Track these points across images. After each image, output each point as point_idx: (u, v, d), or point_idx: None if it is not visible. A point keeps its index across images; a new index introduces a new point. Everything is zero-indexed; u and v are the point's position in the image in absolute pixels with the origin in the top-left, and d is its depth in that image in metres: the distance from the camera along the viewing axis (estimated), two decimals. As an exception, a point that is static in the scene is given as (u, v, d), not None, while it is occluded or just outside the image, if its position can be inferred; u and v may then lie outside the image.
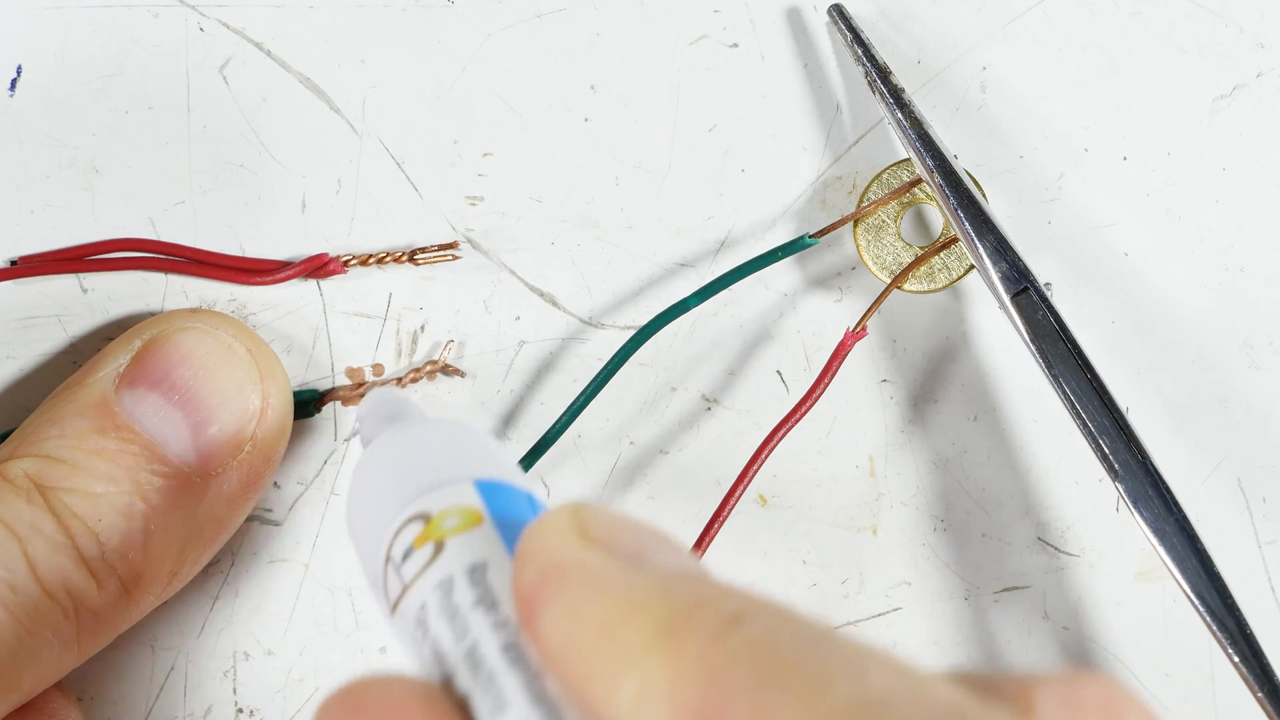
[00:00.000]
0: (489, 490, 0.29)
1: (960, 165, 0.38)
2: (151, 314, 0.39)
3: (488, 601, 0.26)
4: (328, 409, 0.39)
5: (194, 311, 0.37)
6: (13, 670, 0.32)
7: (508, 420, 0.39)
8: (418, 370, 0.39)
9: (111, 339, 0.37)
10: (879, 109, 0.39)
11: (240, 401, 0.36)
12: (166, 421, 0.35)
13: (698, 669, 0.22)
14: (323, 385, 0.39)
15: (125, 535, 0.34)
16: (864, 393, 0.39)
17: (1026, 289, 0.37)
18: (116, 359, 0.36)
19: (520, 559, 0.25)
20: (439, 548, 0.27)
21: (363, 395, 0.39)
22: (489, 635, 0.26)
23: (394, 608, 0.28)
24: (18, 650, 0.32)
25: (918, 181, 0.38)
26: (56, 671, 0.34)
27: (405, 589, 0.27)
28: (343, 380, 0.39)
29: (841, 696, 0.21)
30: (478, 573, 0.27)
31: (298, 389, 0.39)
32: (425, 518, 0.28)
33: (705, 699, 0.22)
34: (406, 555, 0.28)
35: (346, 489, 0.31)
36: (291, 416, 0.37)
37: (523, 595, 0.25)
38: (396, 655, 0.39)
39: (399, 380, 0.39)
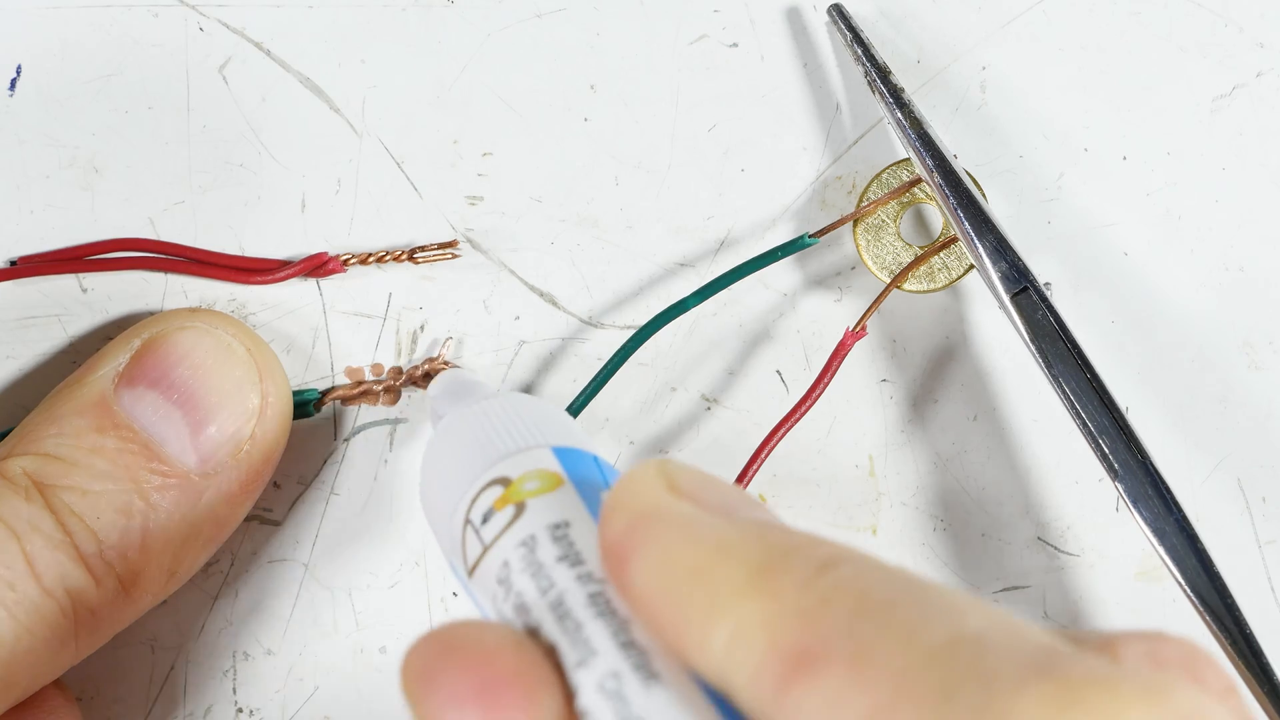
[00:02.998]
0: (566, 455, 0.29)
1: (960, 165, 0.38)
2: (151, 314, 0.39)
3: (572, 556, 0.26)
4: (327, 408, 0.39)
5: (193, 311, 0.37)
6: (10, 668, 0.32)
7: (507, 420, 0.39)
8: (416, 367, 0.39)
9: (111, 339, 0.37)
10: (879, 109, 0.39)
11: (239, 400, 0.36)
12: (165, 420, 0.35)
13: (793, 611, 0.22)
14: (322, 385, 0.39)
15: (123, 533, 0.34)
16: (864, 392, 0.39)
17: (1026, 289, 0.37)
18: (116, 358, 0.36)
19: (609, 510, 0.25)
20: (520, 509, 0.28)
21: (362, 394, 0.39)
22: (575, 587, 0.26)
23: (473, 569, 0.28)
24: (15, 648, 0.32)
25: (917, 181, 0.38)
26: (54, 670, 0.34)
27: (486, 549, 0.28)
28: (342, 380, 0.39)
29: (938, 634, 0.21)
30: (560, 529, 0.27)
31: (297, 389, 0.39)
32: (505, 481, 0.28)
33: (802, 639, 0.22)
34: (487, 517, 0.28)
35: (421, 461, 0.32)
36: (291, 416, 0.37)
37: (611, 545, 0.25)
38: (396, 654, 0.39)
39: (397, 379, 0.39)
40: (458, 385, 0.35)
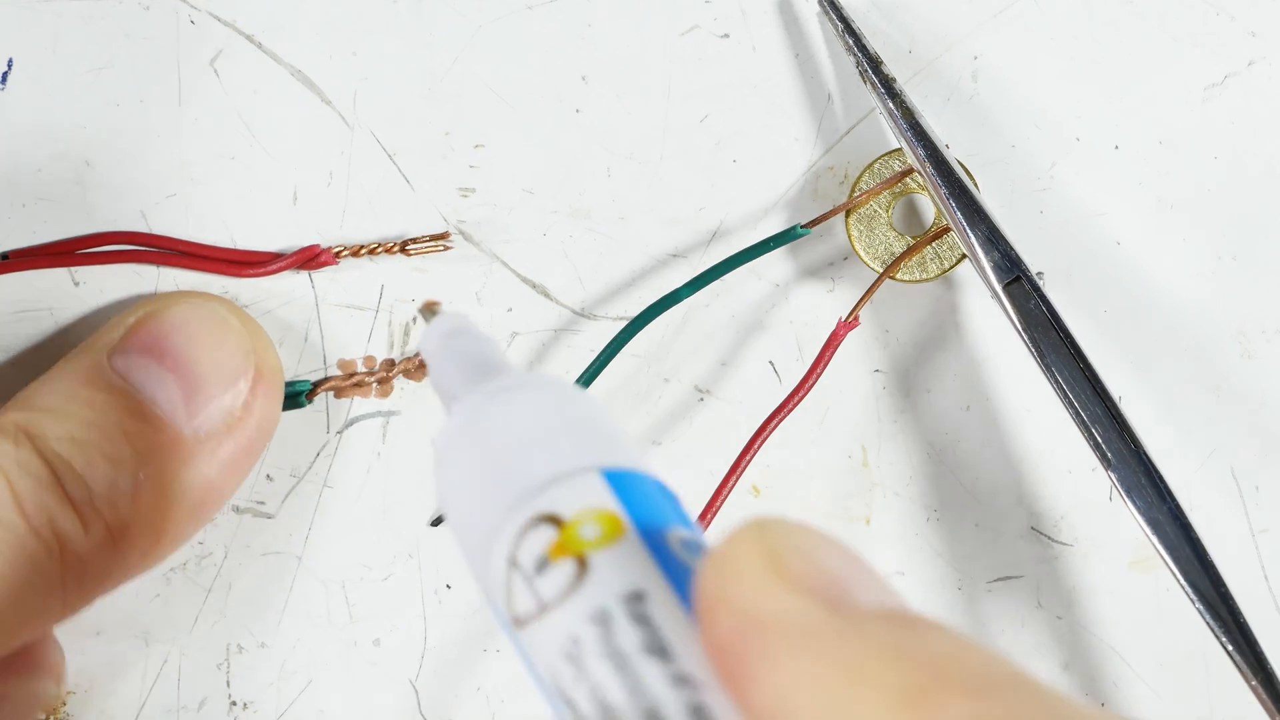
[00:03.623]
0: (620, 484, 0.26)
1: (952, 155, 0.37)
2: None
3: (659, 648, 0.23)
4: (320, 400, 0.39)
5: (187, 292, 0.37)
6: None
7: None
8: (409, 359, 0.39)
9: (103, 331, 0.37)
10: (870, 99, 0.39)
11: (232, 369, 0.36)
12: (158, 382, 0.35)
13: None
14: (315, 377, 0.39)
15: (113, 483, 0.33)
16: (856, 383, 0.39)
17: (1019, 278, 0.37)
18: (110, 334, 0.36)
19: (709, 606, 0.23)
20: (582, 566, 0.24)
21: (355, 385, 0.39)
22: (671, 695, 0.23)
23: (523, 623, 0.25)
24: (2, 586, 0.32)
25: (909, 171, 0.38)
26: (42, 616, 0.33)
27: (544, 609, 0.25)
28: (335, 372, 0.39)
29: None
30: (636, 604, 0.24)
31: (289, 380, 0.39)
32: (555, 520, 0.25)
33: None
34: (541, 568, 0.25)
35: (439, 458, 0.29)
36: (283, 390, 0.37)
37: (721, 650, 0.22)
38: (389, 647, 0.39)
39: (390, 370, 0.39)
40: (465, 348, 0.30)
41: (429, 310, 0.32)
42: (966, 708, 0.20)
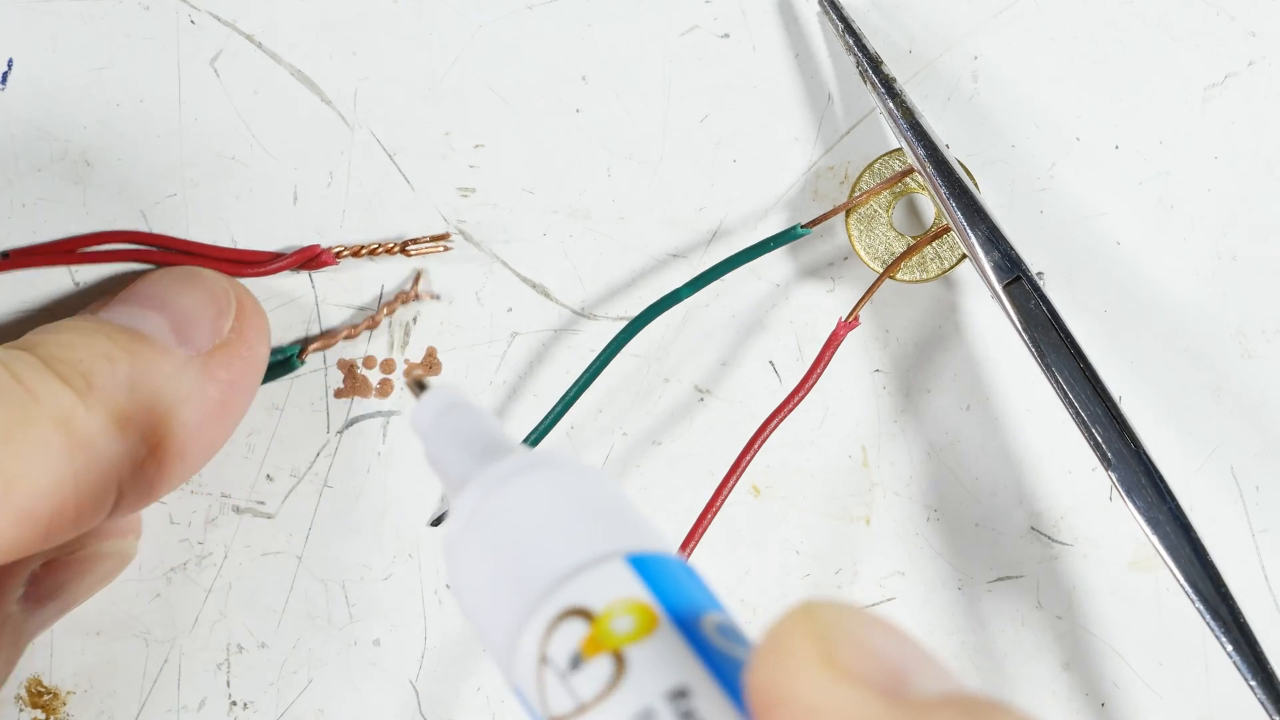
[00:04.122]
0: (646, 569, 0.25)
1: (952, 155, 0.38)
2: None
3: None
4: (320, 400, 0.39)
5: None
6: (11, 488, 0.32)
7: (500, 412, 0.39)
8: (411, 366, 0.39)
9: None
10: (871, 99, 0.39)
11: (215, 303, 0.36)
12: (143, 317, 0.35)
13: None
14: (315, 377, 0.39)
15: (110, 376, 0.33)
16: (857, 383, 0.39)
17: (1019, 278, 0.37)
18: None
19: (765, 704, 0.22)
20: (620, 662, 0.24)
21: (344, 337, 0.39)
22: None
23: None
24: (10, 444, 0.32)
25: (909, 171, 0.38)
26: (50, 497, 0.32)
27: (582, 709, 0.24)
28: (335, 373, 0.39)
29: None
30: (681, 701, 0.23)
31: (279, 346, 0.39)
32: (586, 614, 0.24)
33: None
34: (576, 665, 0.24)
35: (450, 548, 0.27)
36: (269, 328, 0.37)
37: None
38: (389, 647, 0.39)
39: (374, 318, 0.39)
40: (465, 426, 0.29)
41: (416, 384, 0.30)
42: None
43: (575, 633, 0.24)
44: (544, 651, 0.25)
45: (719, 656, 0.24)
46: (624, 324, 0.38)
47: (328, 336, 0.39)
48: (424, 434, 0.30)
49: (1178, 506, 0.36)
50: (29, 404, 0.32)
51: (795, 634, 0.22)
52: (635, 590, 0.24)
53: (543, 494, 0.27)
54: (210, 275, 0.37)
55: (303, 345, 0.39)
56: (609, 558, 0.25)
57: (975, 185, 0.38)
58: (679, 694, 0.23)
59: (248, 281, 0.39)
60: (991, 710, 0.21)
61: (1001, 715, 0.21)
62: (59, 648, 0.39)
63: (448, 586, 0.27)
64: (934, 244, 0.39)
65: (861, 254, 0.39)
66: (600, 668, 0.24)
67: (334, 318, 0.39)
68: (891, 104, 0.37)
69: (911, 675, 0.22)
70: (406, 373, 0.31)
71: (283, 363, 0.39)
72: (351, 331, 0.39)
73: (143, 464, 0.34)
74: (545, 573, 0.25)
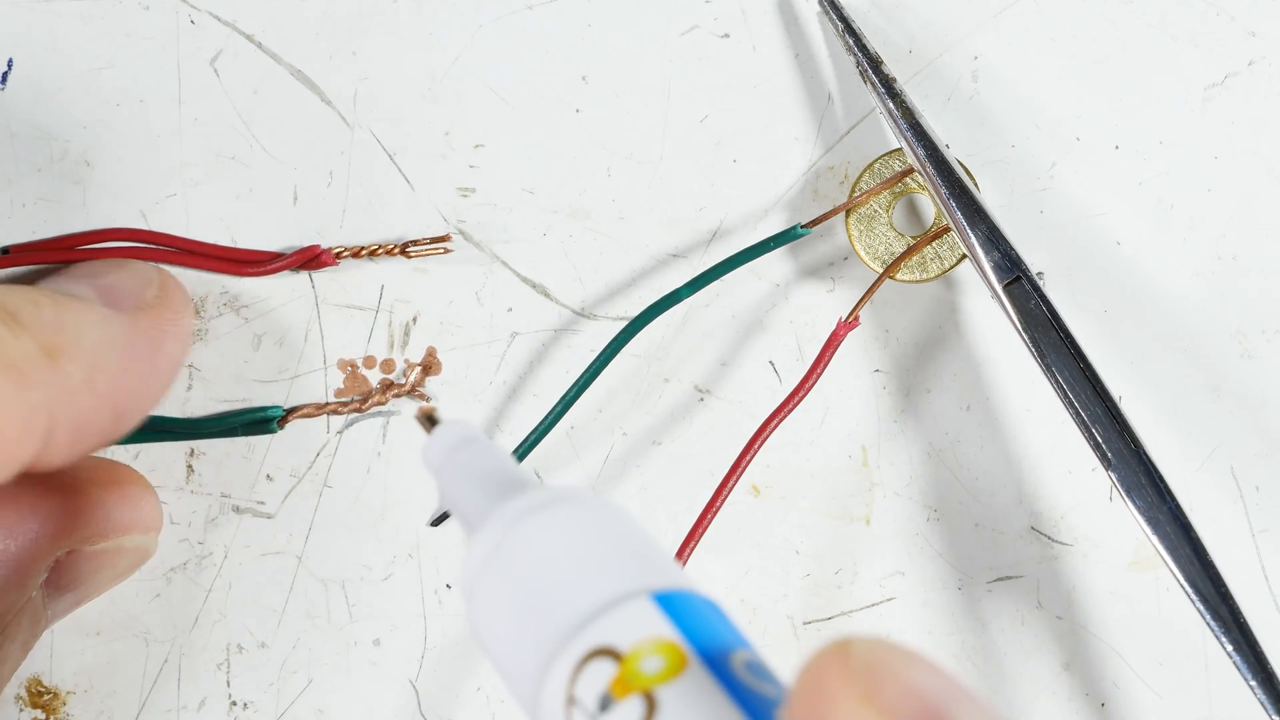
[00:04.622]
0: (673, 607, 0.25)
1: (952, 155, 0.37)
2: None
3: None
4: (318, 399, 0.39)
5: None
6: None
7: (500, 412, 0.39)
8: (408, 372, 0.39)
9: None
10: (871, 99, 0.39)
11: (139, 276, 0.36)
12: (72, 286, 0.36)
13: None
14: (315, 378, 0.39)
15: (37, 315, 0.33)
16: (856, 382, 0.39)
17: (1019, 278, 0.37)
18: None
19: None
20: (651, 703, 0.23)
21: (332, 412, 0.39)
22: None
23: None
24: None
25: (909, 171, 0.38)
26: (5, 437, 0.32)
27: None
28: (335, 373, 0.39)
29: None
30: None
31: (263, 406, 0.39)
32: (614, 654, 0.24)
33: None
34: (606, 706, 0.24)
35: (470, 588, 0.27)
36: (193, 309, 0.38)
37: None
38: (389, 647, 0.39)
39: (387, 391, 0.39)
40: (478, 463, 0.29)
41: (427, 419, 0.30)
42: None
43: (603, 673, 0.24)
44: (571, 693, 0.24)
45: (750, 695, 0.23)
46: (624, 324, 0.38)
47: (313, 410, 0.39)
48: (437, 471, 0.29)
49: (1178, 506, 0.36)
50: None
51: (833, 672, 0.21)
52: (663, 629, 0.24)
53: (564, 531, 0.26)
54: (137, 261, 0.38)
55: (285, 413, 0.39)
56: (635, 596, 0.25)
57: (975, 185, 0.38)
58: None
59: (248, 281, 0.39)
60: None
61: None
62: (59, 648, 0.39)
63: (470, 629, 0.26)
64: (934, 244, 0.39)
65: (861, 254, 0.39)
66: (631, 709, 0.23)
67: (334, 318, 0.39)
68: (891, 104, 0.37)
69: (952, 712, 0.21)
70: (418, 412, 0.30)
71: (260, 422, 0.39)
72: (338, 408, 0.39)
73: (74, 394, 0.33)
74: (570, 612, 0.25)
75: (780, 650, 0.39)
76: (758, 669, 0.24)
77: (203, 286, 0.39)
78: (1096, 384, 0.36)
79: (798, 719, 0.21)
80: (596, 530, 0.26)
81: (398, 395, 0.39)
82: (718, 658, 0.24)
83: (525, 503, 0.27)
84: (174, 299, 0.37)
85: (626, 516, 0.27)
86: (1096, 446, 0.36)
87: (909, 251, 0.38)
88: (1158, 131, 0.39)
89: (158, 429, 0.39)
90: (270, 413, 0.39)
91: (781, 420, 0.38)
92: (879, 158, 0.39)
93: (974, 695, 0.22)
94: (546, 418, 0.38)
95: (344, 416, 0.39)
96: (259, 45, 0.39)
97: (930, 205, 0.39)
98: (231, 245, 0.39)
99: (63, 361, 0.33)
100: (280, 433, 0.39)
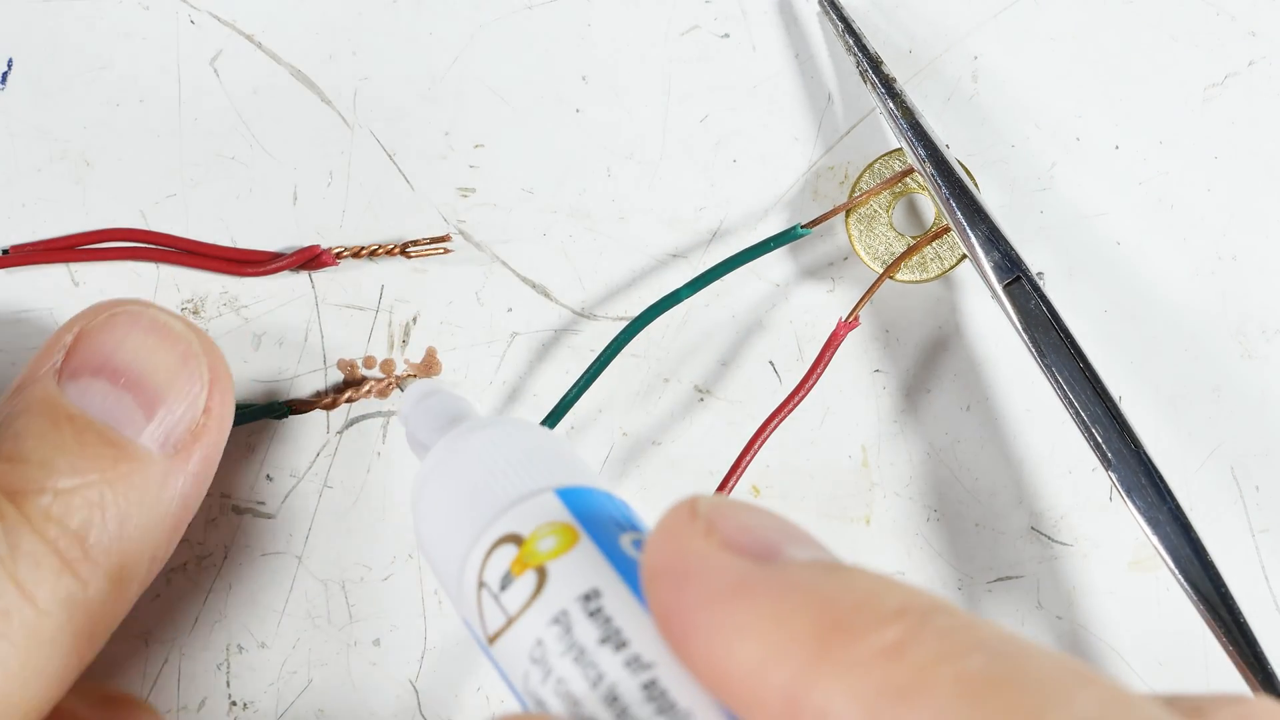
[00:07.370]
0: (573, 498, 0.28)
1: (952, 155, 0.38)
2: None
3: (614, 637, 0.25)
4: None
5: (118, 301, 0.36)
6: (21, 696, 0.31)
7: (500, 412, 0.39)
8: (408, 367, 0.39)
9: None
10: (870, 99, 0.39)
11: (187, 376, 0.34)
12: (117, 405, 0.34)
13: (881, 688, 0.21)
14: (314, 378, 0.39)
15: (102, 529, 0.33)
16: (857, 383, 0.39)
17: (1019, 278, 0.37)
18: (51, 356, 0.34)
19: (651, 578, 0.24)
20: (542, 575, 0.26)
21: (328, 404, 0.39)
22: (626, 677, 0.25)
23: (494, 638, 0.27)
24: (22, 675, 0.31)
25: (909, 171, 0.38)
26: (61, 686, 0.33)
27: (510, 621, 0.27)
28: (335, 373, 0.39)
29: None
30: (592, 601, 0.26)
31: (268, 403, 0.39)
32: (516, 539, 0.27)
33: None
34: (505, 583, 0.27)
35: (414, 502, 0.31)
36: (233, 386, 0.36)
37: (666, 618, 0.24)
38: (389, 647, 0.39)
39: (389, 374, 0.39)
40: (435, 405, 0.33)
41: (399, 383, 0.35)
42: (885, 635, 0.21)
43: (507, 556, 0.27)
44: (481, 577, 0.27)
45: (630, 563, 0.26)
46: (624, 324, 0.38)
47: (310, 402, 0.39)
48: (405, 419, 0.34)
49: (1178, 507, 0.36)
50: (35, 619, 0.32)
51: (682, 518, 0.24)
52: (561, 515, 0.27)
53: (488, 445, 0.30)
54: (177, 328, 0.35)
55: (291, 405, 0.39)
56: (541, 491, 0.28)
57: (975, 185, 0.38)
58: (590, 596, 0.26)
59: (248, 281, 0.39)
60: (849, 570, 0.23)
61: (857, 574, 0.23)
62: (59, 648, 0.39)
63: (416, 542, 0.31)
64: (934, 244, 0.39)
65: (861, 254, 0.39)
66: (525, 582, 0.27)
67: (334, 318, 0.39)
68: (891, 104, 0.37)
69: (784, 546, 0.24)
70: (399, 378, 0.34)
71: (269, 410, 0.39)
72: (355, 393, 0.39)
73: (119, 600, 0.34)
74: (486, 509, 0.28)
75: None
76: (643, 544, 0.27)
77: (203, 286, 0.39)
78: (1096, 384, 0.36)
79: (651, 557, 0.24)
80: (517, 443, 0.30)
81: (398, 381, 0.39)
82: (606, 536, 0.27)
83: (463, 427, 0.31)
84: (220, 397, 0.35)
85: (548, 433, 0.31)
86: (1096, 446, 0.36)
87: (909, 251, 0.38)
88: (1158, 131, 0.39)
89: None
90: (274, 410, 0.39)
91: (781, 420, 0.38)
92: (879, 158, 0.39)
93: (810, 537, 0.25)
94: (546, 418, 0.38)
95: (344, 416, 0.39)
96: (259, 45, 0.39)
97: (930, 205, 0.39)
98: (231, 245, 0.39)
99: (128, 580, 0.34)
100: (280, 432, 0.39)
